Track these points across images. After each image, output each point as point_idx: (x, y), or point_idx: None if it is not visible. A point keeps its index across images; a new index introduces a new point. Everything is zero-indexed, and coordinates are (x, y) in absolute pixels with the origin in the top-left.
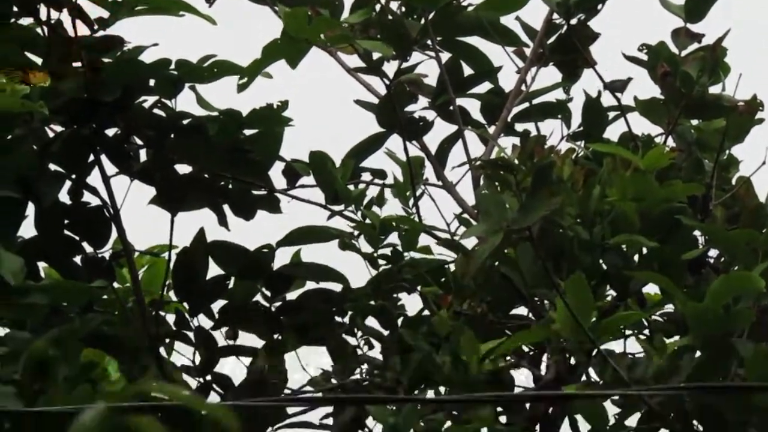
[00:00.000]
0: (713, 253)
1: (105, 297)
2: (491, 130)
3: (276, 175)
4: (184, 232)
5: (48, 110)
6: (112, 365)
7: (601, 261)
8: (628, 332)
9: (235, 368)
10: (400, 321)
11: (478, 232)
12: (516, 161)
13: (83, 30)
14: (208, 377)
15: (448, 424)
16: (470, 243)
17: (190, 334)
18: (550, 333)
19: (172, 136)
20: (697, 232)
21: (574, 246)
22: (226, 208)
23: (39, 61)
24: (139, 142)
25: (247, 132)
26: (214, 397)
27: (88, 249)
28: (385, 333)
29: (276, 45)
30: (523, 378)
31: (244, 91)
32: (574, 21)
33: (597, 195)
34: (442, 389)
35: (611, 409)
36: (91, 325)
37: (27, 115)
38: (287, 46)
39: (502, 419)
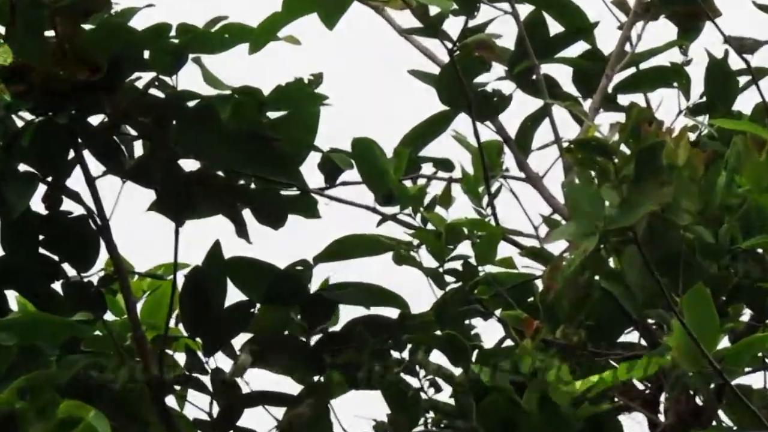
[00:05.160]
0: None
1: (94, 333)
2: (587, 104)
3: (310, 170)
4: (194, 247)
5: (12, 95)
6: (101, 422)
7: (731, 270)
8: None
9: (263, 421)
10: (474, 355)
11: (567, 235)
12: (615, 142)
13: None
14: None
15: None
16: (559, 250)
17: (206, 379)
18: (665, 363)
19: (174, 122)
20: None
21: (696, 252)
22: (246, 214)
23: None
24: (132, 132)
25: (272, 115)
26: None
27: (70, 272)
28: (456, 371)
29: None
30: (635, 425)
31: (267, 65)
32: None
33: (724, 185)
34: None
35: None
36: (74, 370)
37: None
38: None
39: None
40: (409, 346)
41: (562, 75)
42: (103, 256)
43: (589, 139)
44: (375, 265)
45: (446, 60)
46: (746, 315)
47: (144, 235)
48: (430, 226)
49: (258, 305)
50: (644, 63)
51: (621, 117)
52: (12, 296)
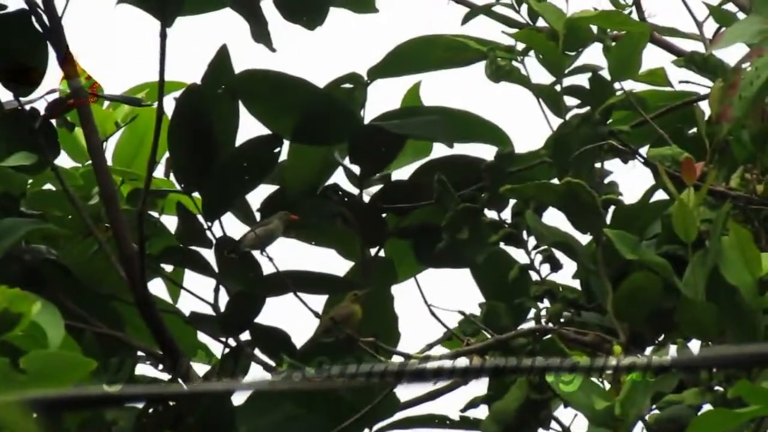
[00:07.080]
0: None
1: (41, 188)
2: None
3: None
4: (189, 60)
5: None
6: (51, 318)
7: None
8: None
9: (293, 316)
10: (609, 214)
11: (747, 37)
12: None
13: None
14: (245, 334)
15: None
16: (735, 59)
17: (208, 254)
18: None
19: None
20: None
21: None
22: (268, 7)
23: None
24: None
25: None
26: (256, 371)
27: (5, 96)
28: (580, 237)
29: None
30: None
31: None
32: None
33: None
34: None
35: None
36: (10, 242)
37: None
38: None
39: None
40: (512, 201)
41: None
42: (54, 71)
43: None
44: (459, 81)
45: None
46: None
47: (115, 43)
48: (541, 23)
49: (286, 142)
50: None
51: None
52: None
